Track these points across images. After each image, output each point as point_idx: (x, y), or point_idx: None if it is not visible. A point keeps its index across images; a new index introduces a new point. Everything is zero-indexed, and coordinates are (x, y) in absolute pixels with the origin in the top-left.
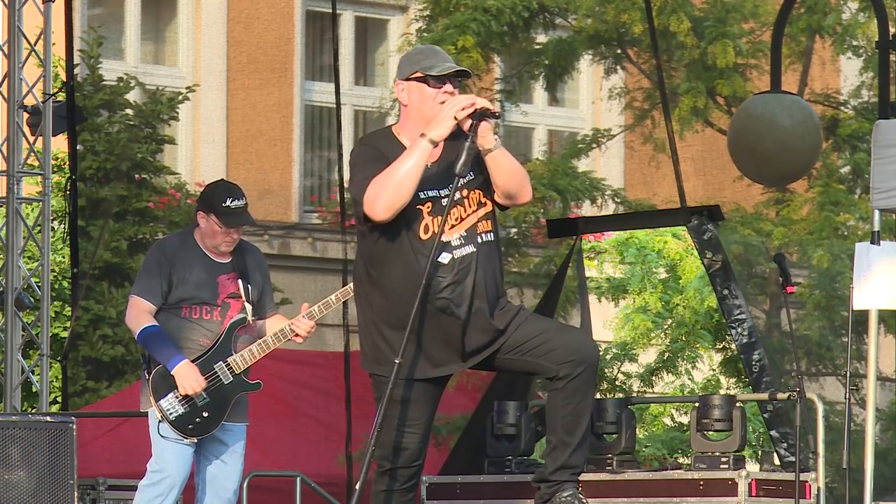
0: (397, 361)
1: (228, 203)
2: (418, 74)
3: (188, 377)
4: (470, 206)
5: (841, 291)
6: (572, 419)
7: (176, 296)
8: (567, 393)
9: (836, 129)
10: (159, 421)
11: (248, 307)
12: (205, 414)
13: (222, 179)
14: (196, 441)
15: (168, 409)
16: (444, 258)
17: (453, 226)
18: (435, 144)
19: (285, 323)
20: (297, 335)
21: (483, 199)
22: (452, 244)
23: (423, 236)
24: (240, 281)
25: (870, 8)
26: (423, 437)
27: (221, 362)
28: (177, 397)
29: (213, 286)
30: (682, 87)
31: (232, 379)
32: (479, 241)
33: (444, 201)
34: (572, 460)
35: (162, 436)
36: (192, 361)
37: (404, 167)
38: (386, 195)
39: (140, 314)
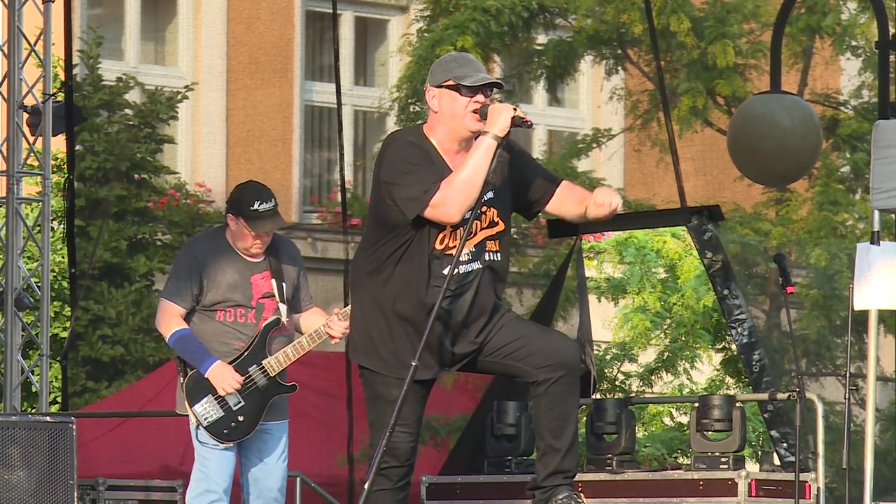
0: (414, 364)
1: (256, 206)
2: (451, 82)
3: (222, 377)
4: (483, 223)
5: (839, 290)
6: (558, 424)
7: (210, 299)
8: (549, 398)
9: (836, 129)
10: (196, 427)
11: (283, 307)
12: (240, 418)
13: (251, 181)
14: (233, 445)
15: (202, 415)
16: (448, 270)
17: (461, 240)
18: (499, 140)
19: (322, 318)
20: (332, 337)
21: (496, 219)
22: (460, 259)
23: (438, 246)
24: (273, 281)
25: (869, 8)
26: (414, 437)
27: (256, 365)
28: (212, 401)
29: (246, 288)
30: (682, 87)
31: (267, 382)
32: (486, 258)
33: (468, 214)
34: (564, 465)
35: (201, 442)
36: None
37: (474, 168)
38: (460, 198)
39: (170, 318)
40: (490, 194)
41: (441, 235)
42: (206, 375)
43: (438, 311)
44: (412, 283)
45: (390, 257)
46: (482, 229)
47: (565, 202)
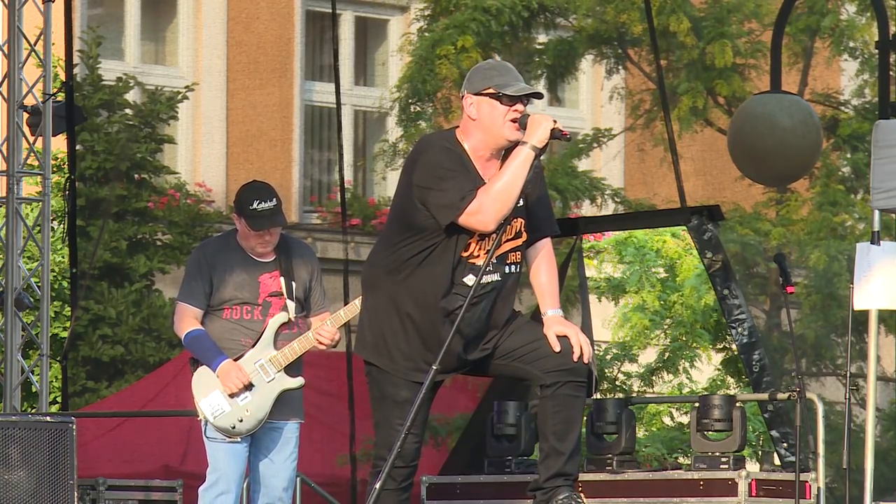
0: (434, 368)
1: (255, 206)
2: (491, 91)
3: (229, 375)
4: (510, 233)
5: (838, 292)
6: (563, 427)
7: (217, 298)
8: (556, 401)
9: (836, 129)
10: (205, 423)
11: (291, 305)
12: (247, 412)
13: (255, 180)
14: (240, 440)
15: (209, 410)
16: (469, 280)
17: (489, 249)
18: (537, 151)
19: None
20: (321, 344)
21: (521, 230)
22: (481, 268)
23: (463, 254)
24: (282, 279)
25: (868, 9)
26: (419, 438)
27: (262, 360)
28: (219, 397)
29: (253, 286)
30: (682, 87)
31: (273, 377)
32: (506, 270)
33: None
34: (566, 468)
35: (209, 437)
36: (234, 360)
37: (512, 178)
38: (496, 207)
39: (184, 319)
40: (519, 202)
41: (469, 243)
42: (215, 373)
43: (453, 318)
44: (432, 287)
45: (412, 259)
46: (508, 240)
47: (531, 257)
